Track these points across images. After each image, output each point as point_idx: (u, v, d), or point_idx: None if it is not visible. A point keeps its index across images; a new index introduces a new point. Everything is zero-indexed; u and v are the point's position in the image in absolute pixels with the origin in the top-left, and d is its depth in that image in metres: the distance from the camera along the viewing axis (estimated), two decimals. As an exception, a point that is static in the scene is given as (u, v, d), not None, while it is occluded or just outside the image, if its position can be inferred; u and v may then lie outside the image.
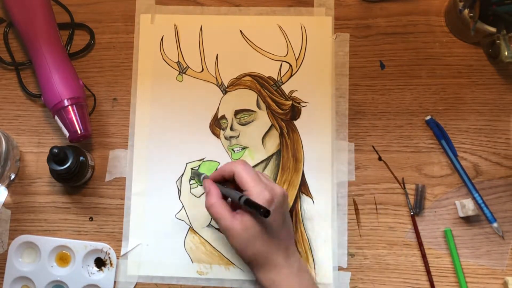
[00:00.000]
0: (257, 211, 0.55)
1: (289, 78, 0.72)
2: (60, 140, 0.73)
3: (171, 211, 0.71)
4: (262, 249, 0.58)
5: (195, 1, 0.75)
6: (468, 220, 0.69)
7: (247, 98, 0.72)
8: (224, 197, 0.61)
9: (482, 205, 0.68)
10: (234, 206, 0.61)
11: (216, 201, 0.60)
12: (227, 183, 0.63)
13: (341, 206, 0.69)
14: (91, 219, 0.71)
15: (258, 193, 0.58)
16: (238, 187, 0.60)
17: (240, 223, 0.58)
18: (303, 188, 0.70)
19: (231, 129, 0.72)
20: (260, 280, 0.60)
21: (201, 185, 0.70)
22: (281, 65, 0.73)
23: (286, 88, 0.72)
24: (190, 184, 0.71)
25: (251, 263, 0.60)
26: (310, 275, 0.62)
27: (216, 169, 0.71)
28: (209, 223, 0.70)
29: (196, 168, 0.71)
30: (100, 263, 0.70)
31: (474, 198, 0.68)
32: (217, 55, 0.73)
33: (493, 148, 0.70)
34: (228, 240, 0.59)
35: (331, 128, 0.71)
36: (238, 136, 0.72)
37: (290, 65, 0.73)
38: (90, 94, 0.73)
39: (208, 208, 0.60)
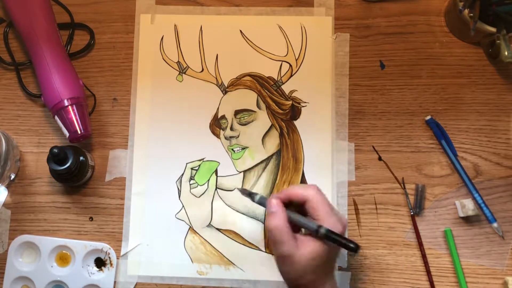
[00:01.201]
0: (344, 246, 0.53)
1: (289, 78, 0.72)
2: (60, 140, 0.73)
3: (171, 211, 0.71)
4: (319, 278, 0.56)
5: (195, 1, 0.75)
6: (468, 220, 0.69)
7: (247, 98, 0.72)
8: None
9: (482, 205, 0.68)
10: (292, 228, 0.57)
11: (281, 224, 0.55)
12: (290, 206, 0.58)
13: (341, 206, 0.69)
14: (91, 219, 0.71)
15: (332, 225, 0.54)
16: (300, 210, 0.57)
17: (309, 252, 0.54)
18: (303, 188, 0.70)
19: (231, 129, 0.72)
20: None
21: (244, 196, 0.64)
22: (281, 65, 0.73)
23: (286, 88, 0.72)
24: (190, 184, 0.71)
25: (297, 287, 0.57)
26: None
27: (216, 169, 0.71)
28: (209, 223, 0.70)
29: (196, 168, 0.71)
30: (100, 263, 0.70)
31: (474, 198, 0.68)
32: (217, 55, 0.73)
33: (493, 148, 0.70)
34: (282, 265, 0.56)
35: (331, 128, 0.71)
36: (238, 136, 0.71)
37: (290, 65, 0.73)
38: (90, 94, 0.73)
39: (271, 229, 0.56)
